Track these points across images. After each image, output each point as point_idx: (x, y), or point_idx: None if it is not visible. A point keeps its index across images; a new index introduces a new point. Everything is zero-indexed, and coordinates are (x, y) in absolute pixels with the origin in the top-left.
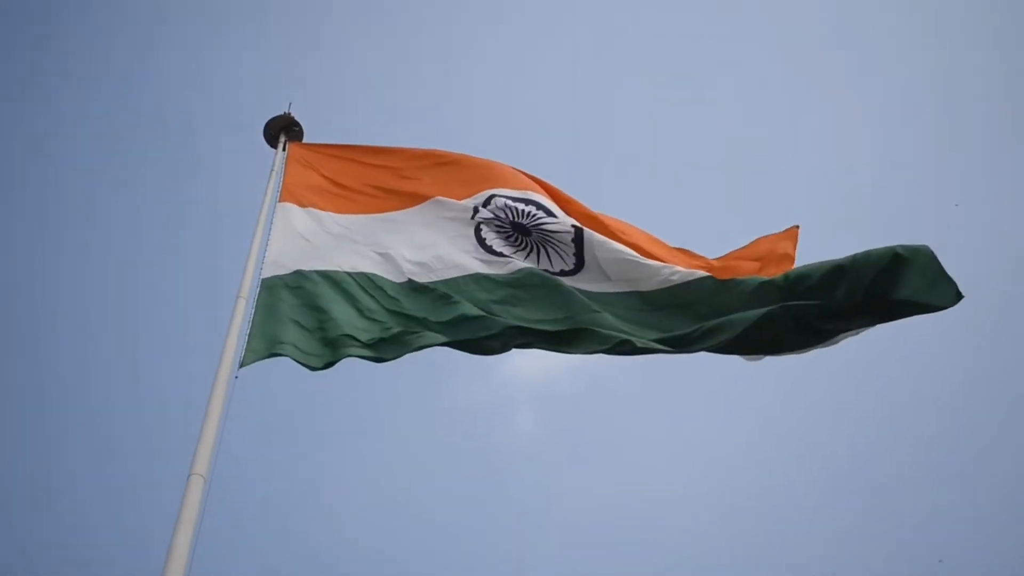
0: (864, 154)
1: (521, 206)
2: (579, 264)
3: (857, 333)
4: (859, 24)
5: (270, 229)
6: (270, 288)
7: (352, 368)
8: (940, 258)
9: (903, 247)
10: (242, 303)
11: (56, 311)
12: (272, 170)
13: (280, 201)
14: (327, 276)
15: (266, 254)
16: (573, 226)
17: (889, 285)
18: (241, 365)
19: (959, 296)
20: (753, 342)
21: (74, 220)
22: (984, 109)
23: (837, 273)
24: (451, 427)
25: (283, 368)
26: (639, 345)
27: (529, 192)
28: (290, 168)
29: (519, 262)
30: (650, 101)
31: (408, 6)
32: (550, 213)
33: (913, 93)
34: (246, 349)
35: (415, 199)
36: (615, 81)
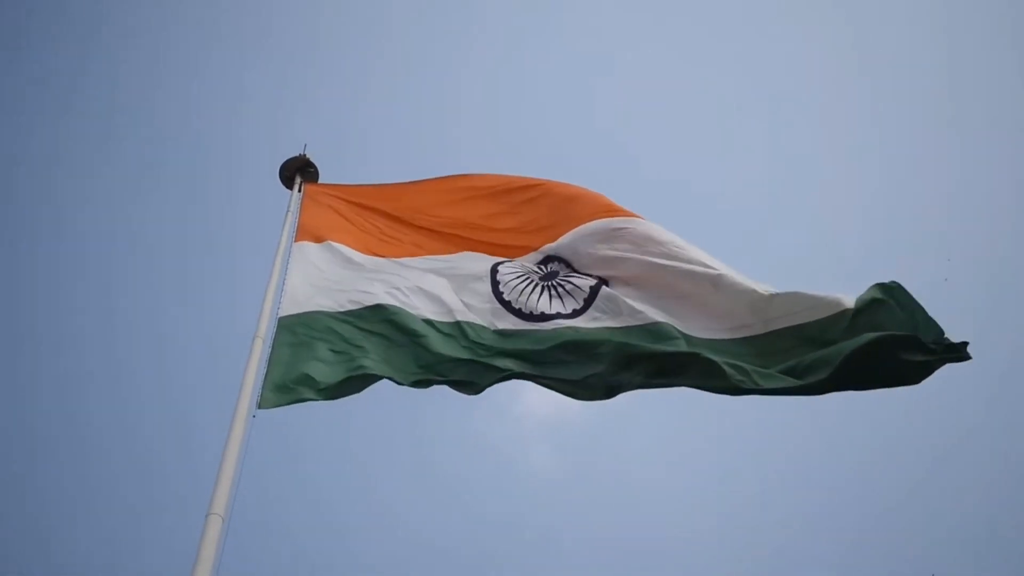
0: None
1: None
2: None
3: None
4: None
5: (286, 269)
6: (290, 326)
7: (371, 407)
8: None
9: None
10: (259, 343)
11: (79, 351)
12: (288, 211)
13: (296, 241)
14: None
15: (283, 293)
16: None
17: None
18: (269, 403)
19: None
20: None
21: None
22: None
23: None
24: (469, 460)
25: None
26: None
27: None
28: (306, 208)
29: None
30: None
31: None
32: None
33: None
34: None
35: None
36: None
